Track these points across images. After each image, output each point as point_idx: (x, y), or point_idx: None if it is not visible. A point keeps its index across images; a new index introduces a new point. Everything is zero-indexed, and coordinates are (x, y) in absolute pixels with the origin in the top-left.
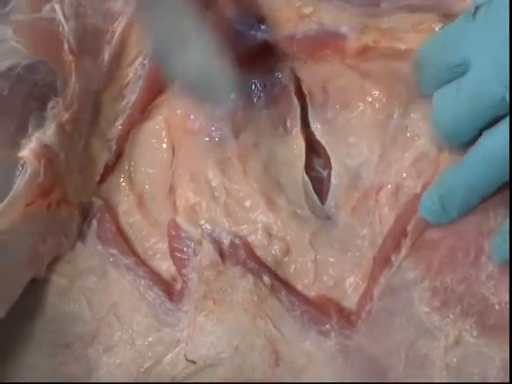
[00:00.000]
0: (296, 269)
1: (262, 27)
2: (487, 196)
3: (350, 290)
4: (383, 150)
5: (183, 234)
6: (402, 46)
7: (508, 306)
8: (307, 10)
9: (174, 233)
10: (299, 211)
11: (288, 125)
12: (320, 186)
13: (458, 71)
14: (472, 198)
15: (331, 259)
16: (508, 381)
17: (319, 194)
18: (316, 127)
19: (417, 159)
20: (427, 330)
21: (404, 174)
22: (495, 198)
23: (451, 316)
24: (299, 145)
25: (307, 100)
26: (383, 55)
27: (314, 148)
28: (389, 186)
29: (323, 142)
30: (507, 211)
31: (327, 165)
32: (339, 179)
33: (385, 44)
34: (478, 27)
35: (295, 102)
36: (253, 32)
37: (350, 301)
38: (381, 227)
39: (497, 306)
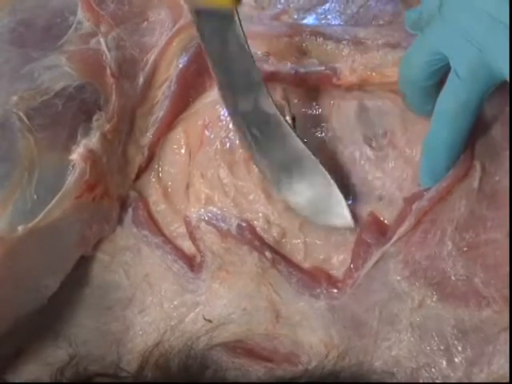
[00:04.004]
0: (291, 248)
1: (269, 60)
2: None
3: (336, 264)
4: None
5: (188, 219)
6: (391, 79)
7: (463, 277)
8: (306, 47)
9: (185, 220)
10: None
11: None
12: None
13: (436, 69)
14: (450, 154)
15: (318, 242)
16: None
17: None
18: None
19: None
20: (397, 294)
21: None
22: (462, 191)
23: (417, 284)
24: None
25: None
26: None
27: None
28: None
29: None
30: (467, 202)
31: None
32: None
33: (372, 81)
34: (433, 31)
35: (287, 118)
36: (261, 64)
37: (337, 272)
38: None
39: (453, 278)
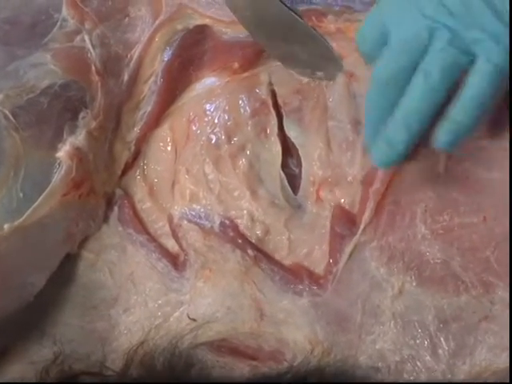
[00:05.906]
0: (274, 245)
1: None
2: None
3: (318, 259)
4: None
5: (170, 217)
6: None
7: (441, 261)
8: None
9: (168, 218)
10: (276, 201)
11: (268, 132)
12: (293, 181)
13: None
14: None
15: (302, 237)
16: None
17: (292, 188)
18: (290, 132)
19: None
20: (378, 283)
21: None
22: (423, 173)
23: (395, 269)
24: (277, 148)
25: (282, 111)
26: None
27: (289, 150)
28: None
29: (296, 143)
30: (433, 185)
31: (299, 164)
32: (307, 175)
33: (349, 33)
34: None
35: (273, 113)
36: (247, 39)
37: (319, 268)
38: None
39: (431, 261)
